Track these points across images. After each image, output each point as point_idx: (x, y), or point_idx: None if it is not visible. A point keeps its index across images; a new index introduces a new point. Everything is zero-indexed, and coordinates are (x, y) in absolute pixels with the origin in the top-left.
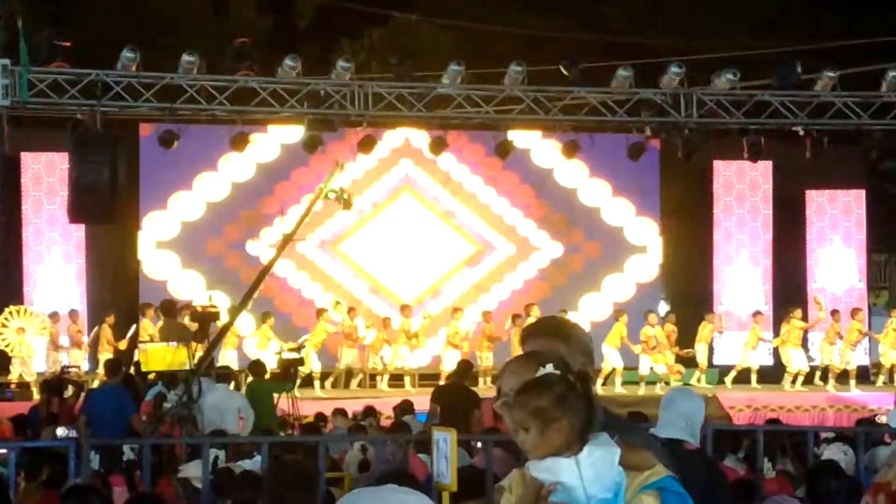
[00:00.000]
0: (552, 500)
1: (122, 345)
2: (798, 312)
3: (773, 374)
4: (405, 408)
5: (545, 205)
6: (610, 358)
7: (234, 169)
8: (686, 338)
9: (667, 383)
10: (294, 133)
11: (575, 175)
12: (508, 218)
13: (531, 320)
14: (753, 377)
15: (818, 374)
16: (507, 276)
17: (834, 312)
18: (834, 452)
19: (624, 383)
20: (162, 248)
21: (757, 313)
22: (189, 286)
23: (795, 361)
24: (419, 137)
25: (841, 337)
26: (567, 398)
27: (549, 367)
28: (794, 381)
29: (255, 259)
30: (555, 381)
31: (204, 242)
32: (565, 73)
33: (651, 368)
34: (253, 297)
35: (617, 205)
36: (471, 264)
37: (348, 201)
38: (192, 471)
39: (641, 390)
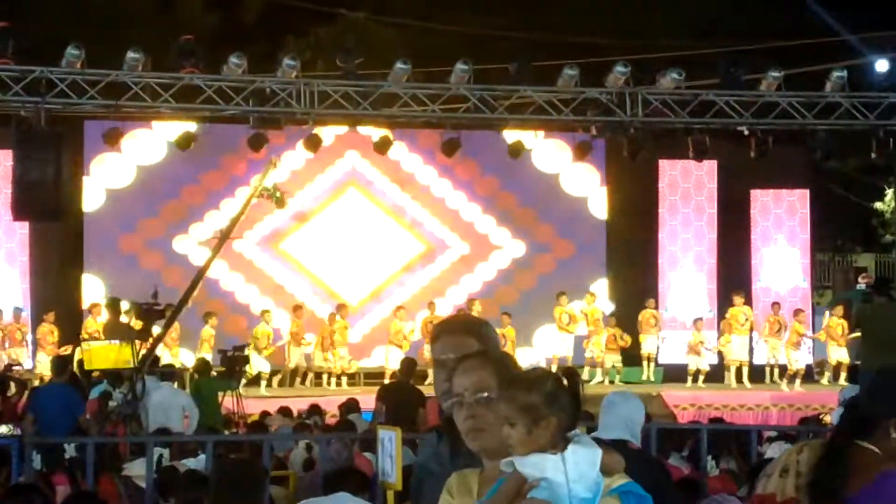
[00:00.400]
0: (534, 497)
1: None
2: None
3: (716, 373)
4: (350, 406)
5: (509, 199)
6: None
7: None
8: (633, 334)
9: (611, 381)
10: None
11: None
12: (465, 214)
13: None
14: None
15: (769, 372)
16: (465, 276)
17: (774, 304)
18: (776, 451)
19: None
20: (102, 248)
21: (698, 320)
22: (131, 284)
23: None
24: (365, 143)
25: (785, 328)
26: (557, 396)
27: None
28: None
29: (181, 258)
30: (545, 377)
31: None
32: (512, 71)
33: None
34: (192, 296)
35: (562, 204)
36: (421, 264)
37: (281, 199)
38: (136, 469)
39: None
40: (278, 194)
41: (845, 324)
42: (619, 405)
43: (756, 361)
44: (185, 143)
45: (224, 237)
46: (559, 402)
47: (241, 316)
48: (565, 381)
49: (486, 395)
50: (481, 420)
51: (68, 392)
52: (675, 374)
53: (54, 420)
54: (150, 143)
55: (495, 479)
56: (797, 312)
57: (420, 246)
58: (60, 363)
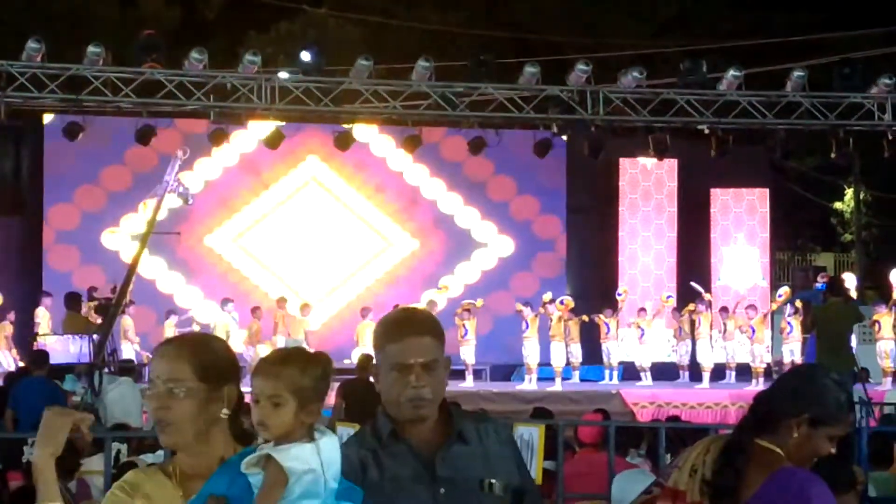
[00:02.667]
0: (295, 491)
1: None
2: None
3: (670, 371)
4: None
5: (457, 199)
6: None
7: (141, 163)
8: (592, 333)
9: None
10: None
11: (481, 171)
12: (419, 213)
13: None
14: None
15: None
16: (413, 271)
17: (723, 310)
18: None
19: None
20: (61, 242)
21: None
22: (93, 280)
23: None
24: (326, 140)
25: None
26: (324, 381)
27: (296, 341)
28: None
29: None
30: (318, 360)
31: (109, 236)
32: (473, 68)
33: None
34: (128, 290)
35: (523, 202)
36: (377, 259)
37: (185, 198)
38: (95, 465)
39: (557, 385)
40: (182, 189)
41: (796, 322)
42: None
43: (717, 360)
44: (217, 139)
45: (147, 233)
46: (324, 389)
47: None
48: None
49: (181, 388)
50: (171, 413)
51: (49, 386)
52: (634, 372)
53: (33, 415)
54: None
55: (199, 476)
56: (751, 308)
57: (379, 242)
58: (40, 357)
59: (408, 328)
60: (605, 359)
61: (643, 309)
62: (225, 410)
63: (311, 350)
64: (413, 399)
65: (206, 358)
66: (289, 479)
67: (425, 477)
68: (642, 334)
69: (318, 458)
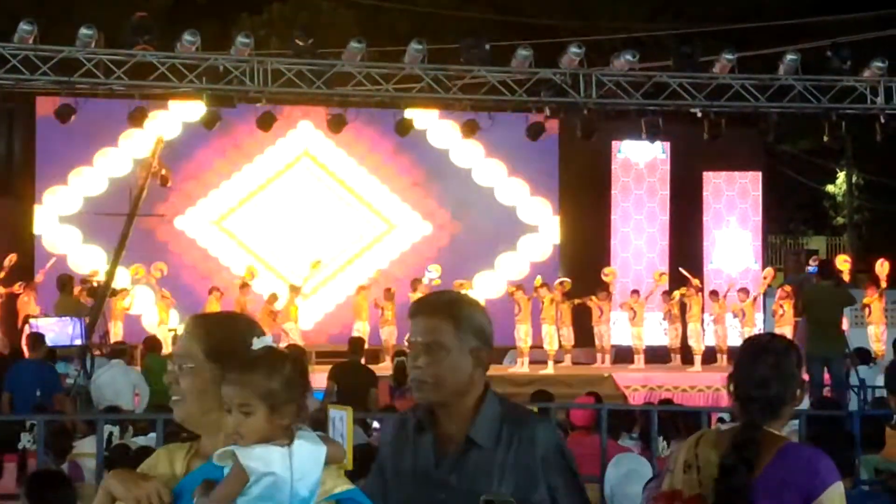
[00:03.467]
0: (253, 492)
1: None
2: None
3: (662, 354)
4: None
5: (440, 185)
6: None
7: (135, 145)
8: (585, 316)
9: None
10: (197, 110)
11: (471, 155)
12: (404, 198)
13: (417, 295)
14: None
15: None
16: (402, 253)
17: (713, 293)
18: None
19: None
20: (64, 223)
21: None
22: (90, 261)
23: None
24: (319, 117)
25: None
26: (295, 381)
27: (267, 340)
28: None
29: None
30: (283, 360)
31: (106, 217)
32: (466, 51)
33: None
34: (115, 272)
35: (512, 184)
36: (369, 243)
37: (165, 178)
38: (87, 448)
39: (550, 368)
40: (163, 172)
41: (787, 305)
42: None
43: (708, 343)
44: (210, 121)
45: (131, 216)
46: (296, 389)
47: (187, 293)
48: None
49: (189, 364)
50: (179, 388)
51: (44, 369)
52: (626, 355)
53: (29, 398)
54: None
55: (207, 456)
56: (740, 291)
57: (370, 226)
58: (37, 339)
59: (421, 307)
60: (597, 342)
61: (636, 291)
62: None
63: (281, 347)
64: (413, 380)
65: (218, 338)
66: (249, 478)
67: (433, 478)
68: (634, 316)
69: (286, 463)
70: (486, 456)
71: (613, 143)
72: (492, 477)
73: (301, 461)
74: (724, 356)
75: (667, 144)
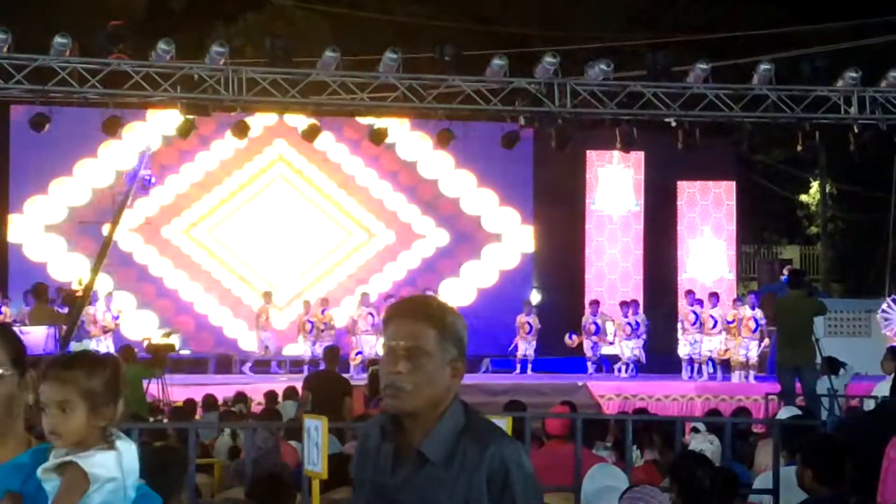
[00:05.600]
0: (95, 499)
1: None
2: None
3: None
4: (276, 394)
5: (426, 191)
6: None
7: (114, 155)
8: (559, 325)
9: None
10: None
11: (441, 165)
12: (389, 203)
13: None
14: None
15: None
16: (389, 264)
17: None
18: (700, 442)
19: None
20: (50, 232)
21: (623, 303)
22: (73, 270)
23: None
24: (293, 131)
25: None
26: (113, 384)
27: (86, 344)
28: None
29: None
30: (105, 362)
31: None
32: (441, 60)
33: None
34: (94, 282)
35: (483, 194)
36: (347, 252)
37: (147, 185)
38: None
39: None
40: (153, 179)
41: (758, 314)
42: None
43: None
44: (185, 130)
45: (113, 226)
46: (115, 392)
47: (168, 301)
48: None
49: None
50: None
51: None
52: (608, 365)
53: None
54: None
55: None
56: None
57: (344, 234)
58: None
59: (401, 309)
60: (588, 352)
61: (626, 303)
62: (31, 395)
63: (101, 352)
64: (389, 386)
65: (18, 343)
66: (90, 486)
67: (386, 490)
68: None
69: (120, 466)
70: (438, 473)
71: (588, 152)
72: (440, 496)
73: (128, 462)
74: (702, 366)
75: (639, 154)
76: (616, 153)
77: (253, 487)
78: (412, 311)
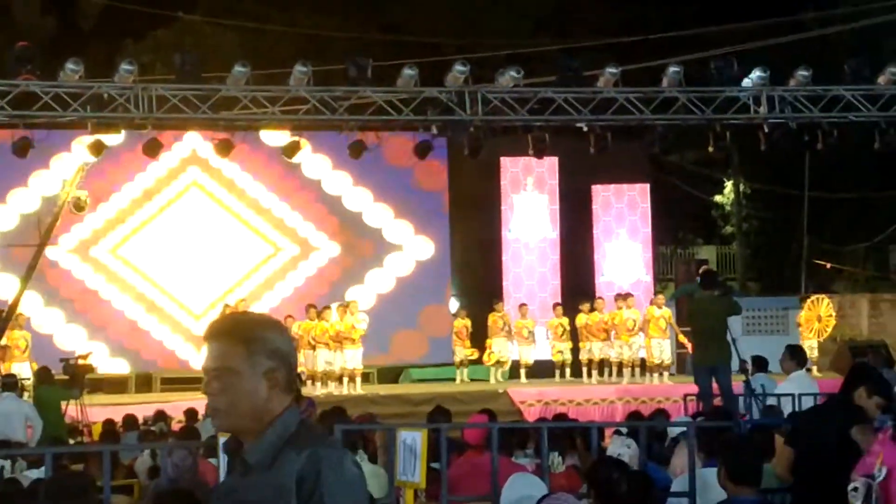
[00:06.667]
0: None
1: None
2: (587, 306)
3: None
4: (196, 412)
5: (321, 208)
6: None
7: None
8: (476, 332)
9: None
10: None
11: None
12: (289, 221)
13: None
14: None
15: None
16: (289, 274)
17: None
18: (618, 446)
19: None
20: None
21: (556, 305)
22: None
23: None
24: (206, 148)
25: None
26: None
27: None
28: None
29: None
30: None
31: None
32: (350, 73)
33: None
34: (19, 303)
35: (378, 208)
36: (262, 265)
37: (80, 205)
38: None
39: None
40: (84, 199)
41: (667, 315)
42: None
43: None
44: (97, 149)
45: (42, 244)
46: None
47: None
48: None
49: None
50: None
51: None
52: (515, 372)
53: None
54: None
55: None
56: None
57: (265, 248)
58: None
59: (209, 331)
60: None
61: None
62: None
63: None
64: (208, 406)
65: None
66: None
67: (221, 502)
68: (529, 334)
69: None
70: (257, 480)
71: (501, 158)
72: (250, 497)
73: None
74: (623, 369)
75: (553, 159)
76: (530, 179)
77: (155, 502)
78: (218, 332)
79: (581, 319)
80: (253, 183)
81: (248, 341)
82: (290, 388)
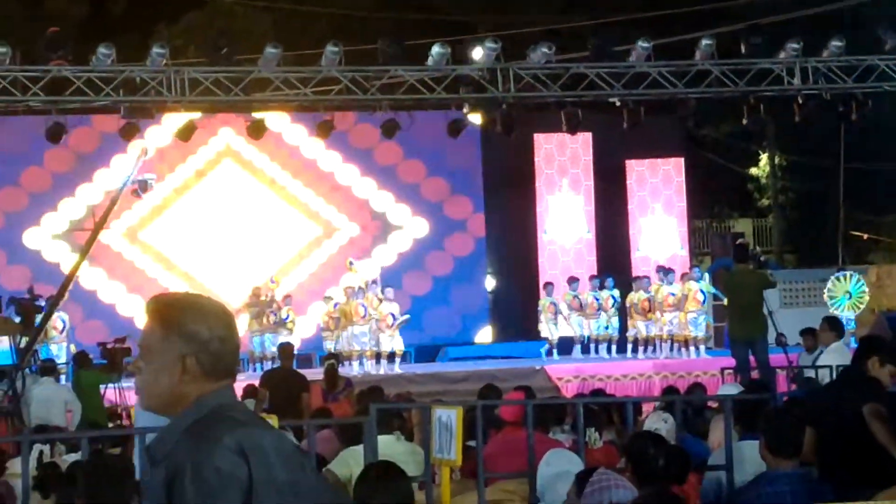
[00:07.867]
0: None
1: None
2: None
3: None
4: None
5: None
6: None
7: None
8: (515, 309)
9: None
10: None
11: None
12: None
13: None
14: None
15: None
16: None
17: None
18: (654, 421)
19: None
20: None
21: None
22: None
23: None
24: (239, 141)
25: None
26: None
27: None
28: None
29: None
30: None
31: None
32: (382, 52)
33: None
34: (68, 289)
35: (434, 183)
36: (299, 246)
37: (146, 188)
38: (18, 467)
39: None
40: (151, 183)
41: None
42: None
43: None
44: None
45: (97, 228)
46: None
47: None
48: None
49: None
50: None
51: None
52: (565, 347)
53: None
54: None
55: None
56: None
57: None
58: None
59: (145, 309)
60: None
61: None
62: None
63: None
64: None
65: None
66: None
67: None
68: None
69: None
70: (157, 472)
71: (535, 135)
72: (152, 495)
73: None
74: (662, 343)
75: (586, 135)
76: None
77: None
78: (146, 310)
79: (631, 298)
80: (282, 172)
81: (166, 323)
82: (215, 374)
